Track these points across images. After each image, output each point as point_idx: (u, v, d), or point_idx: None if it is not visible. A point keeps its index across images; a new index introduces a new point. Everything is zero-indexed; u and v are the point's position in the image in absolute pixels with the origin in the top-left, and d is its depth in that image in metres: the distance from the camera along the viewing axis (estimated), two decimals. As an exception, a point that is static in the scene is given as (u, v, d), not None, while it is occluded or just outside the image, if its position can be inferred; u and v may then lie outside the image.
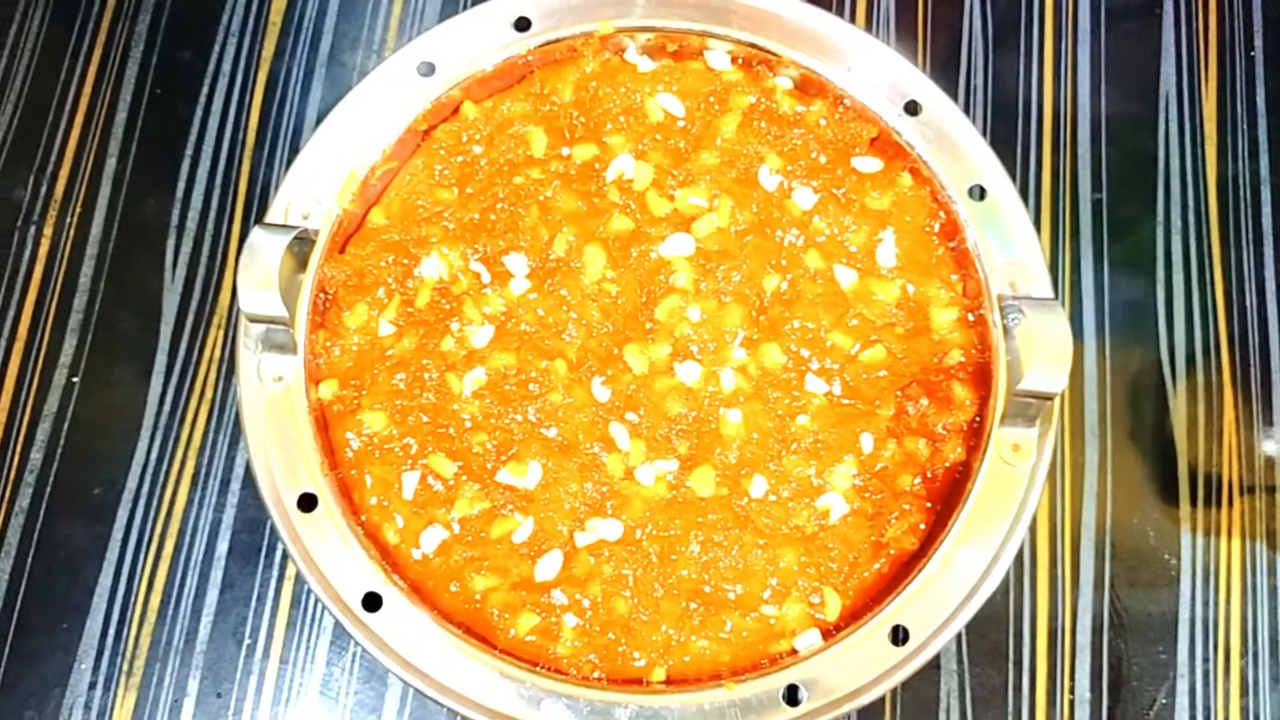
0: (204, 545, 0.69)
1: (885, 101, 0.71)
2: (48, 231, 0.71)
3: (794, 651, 0.66)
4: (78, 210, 0.71)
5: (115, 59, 0.73)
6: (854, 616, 0.66)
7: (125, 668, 0.68)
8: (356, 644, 0.67)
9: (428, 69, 0.71)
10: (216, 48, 0.73)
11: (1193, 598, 0.67)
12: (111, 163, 0.72)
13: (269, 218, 0.68)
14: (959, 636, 0.66)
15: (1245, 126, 0.71)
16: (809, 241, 0.71)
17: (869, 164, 0.71)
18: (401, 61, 0.71)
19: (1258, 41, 0.72)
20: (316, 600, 0.67)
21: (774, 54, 0.71)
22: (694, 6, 0.71)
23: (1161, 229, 0.70)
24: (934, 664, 0.66)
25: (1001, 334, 0.68)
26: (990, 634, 0.67)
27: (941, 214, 0.71)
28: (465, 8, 0.74)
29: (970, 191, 0.69)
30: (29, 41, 0.74)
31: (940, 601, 0.65)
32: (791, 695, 0.64)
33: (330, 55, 0.73)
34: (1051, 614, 0.68)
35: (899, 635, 0.65)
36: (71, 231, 0.71)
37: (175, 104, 0.72)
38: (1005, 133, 0.70)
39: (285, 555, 0.68)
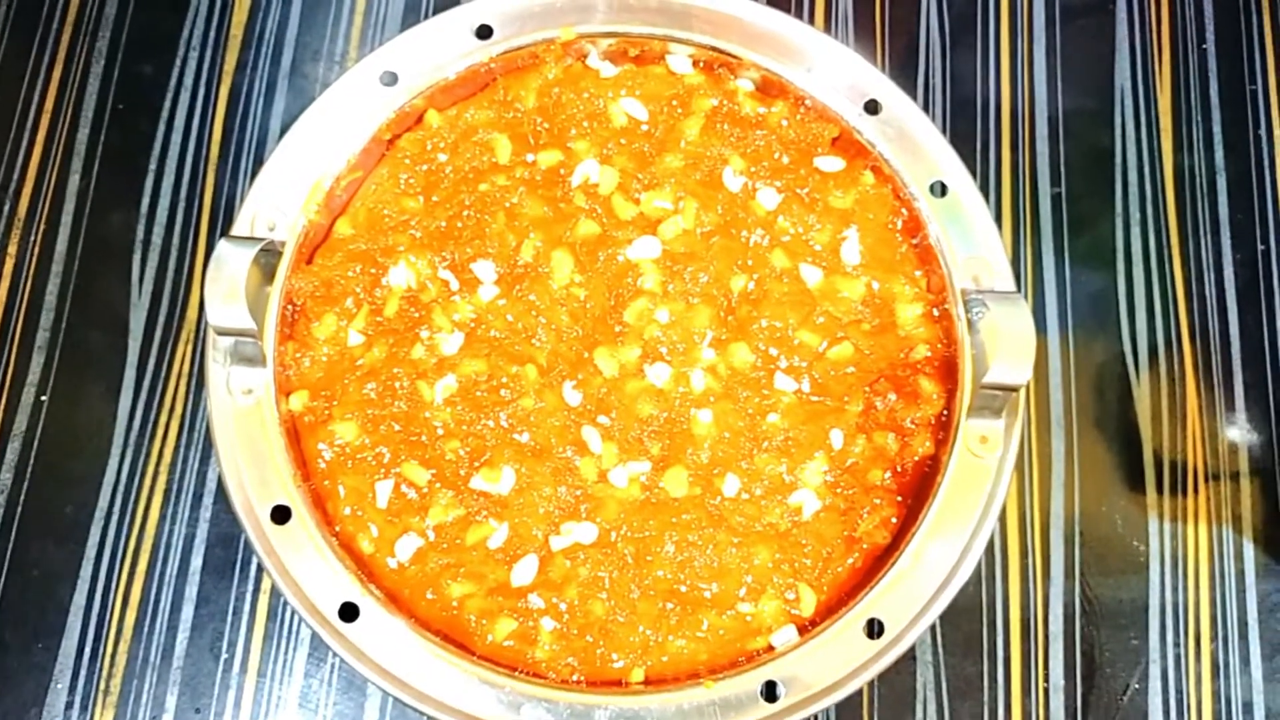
0: (178, 561, 0.69)
1: (845, 101, 0.71)
2: (11, 250, 0.70)
3: (771, 648, 0.66)
4: (42, 228, 0.71)
5: (76, 75, 0.73)
6: (829, 611, 0.67)
7: (102, 686, 0.68)
8: (334, 655, 0.67)
9: (390, 78, 0.71)
10: (178, 62, 0.73)
11: (1162, 584, 0.68)
12: (75, 179, 0.71)
13: (234, 230, 0.68)
14: (933, 628, 0.67)
15: (1200, 119, 0.72)
16: (774, 241, 0.71)
17: (831, 163, 0.72)
18: (364, 71, 0.71)
19: (1209, 35, 0.73)
20: (293, 612, 0.67)
21: (735, 57, 0.72)
22: (654, 11, 0.71)
23: (1120, 221, 0.71)
24: (909, 656, 0.67)
25: (966, 328, 0.68)
26: (964, 625, 0.68)
27: (904, 211, 0.71)
28: (426, 16, 0.74)
29: (931, 188, 0.70)
30: (-12, 59, 0.74)
31: (914, 594, 0.66)
32: (770, 692, 0.65)
33: (292, 67, 0.73)
34: (1024, 603, 0.68)
35: (874, 629, 0.66)
36: (36, 249, 0.70)
37: (138, 119, 0.72)
38: (964, 130, 0.71)
39: (260, 568, 0.68)
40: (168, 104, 0.72)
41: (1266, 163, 0.72)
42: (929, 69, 0.73)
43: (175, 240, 0.71)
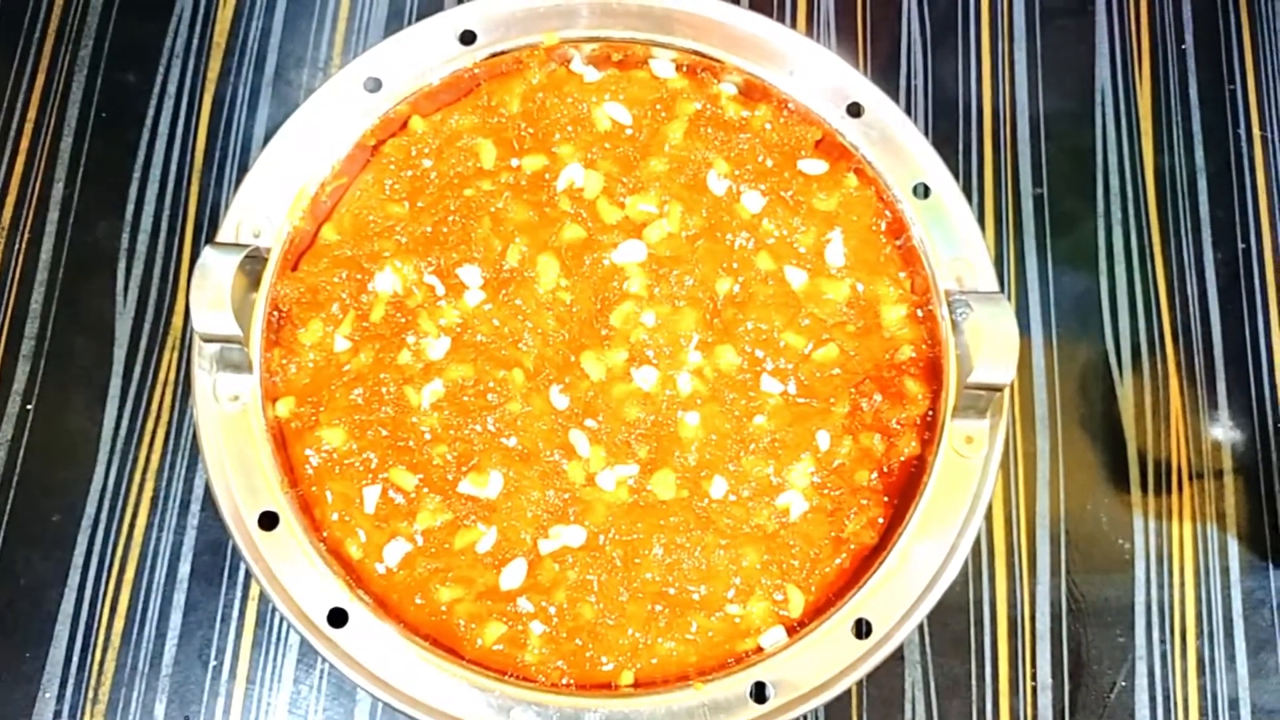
0: (166, 568, 0.68)
1: (828, 104, 0.72)
2: (-5, 258, 0.70)
3: (760, 649, 0.67)
4: (26, 236, 0.71)
5: (59, 84, 0.73)
6: (817, 612, 0.67)
7: (91, 695, 0.67)
8: (323, 661, 0.67)
9: (374, 84, 0.71)
10: (161, 70, 0.73)
11: (1148, 581, 0.68)
12: (59, 188, 0.71)
13: (220, 237, 0.68)
14: (921, 627, 0.67)
15: (1180, 119, 0.73)
16: (759, 244, 0.72)
17: (814, 166, 0.72)
18: (348, 78, 0.71)
19: (1188, 35, 0.74)
20: (281, 619, 0.67)
21: (718, 60, 0.72)
22: (637, 16, 0.72)
23: (1102, 221, 0.72)
24: (898, 656, 0.67)
25: (950, 329, 0.69)
26: (952, 624, 0.68)
27: (887, 213, 0.72)
28: (410, 22, 0.74)
29: (914, 190, 0.70)
30: (-30, 69, 0.74)
31: (901, 594, 0.66)
32: (759, 693, 0.65)
33: (276, 74, 0.73)
34: (1010, 602, 0.69)
35: (862, 629, 0.66)
36: (20, 258, 0.70)
37: (121, 127, 0.72)
38: (947, 131, 0.72)
39: (248, 575, 0.68)
40: (151, 112, 0.72)
41: (1246, 162, 0.73)
42: (910, 71, 0.73)
43: (160, 248, 0.71)
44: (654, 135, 0.72)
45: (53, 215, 0.71)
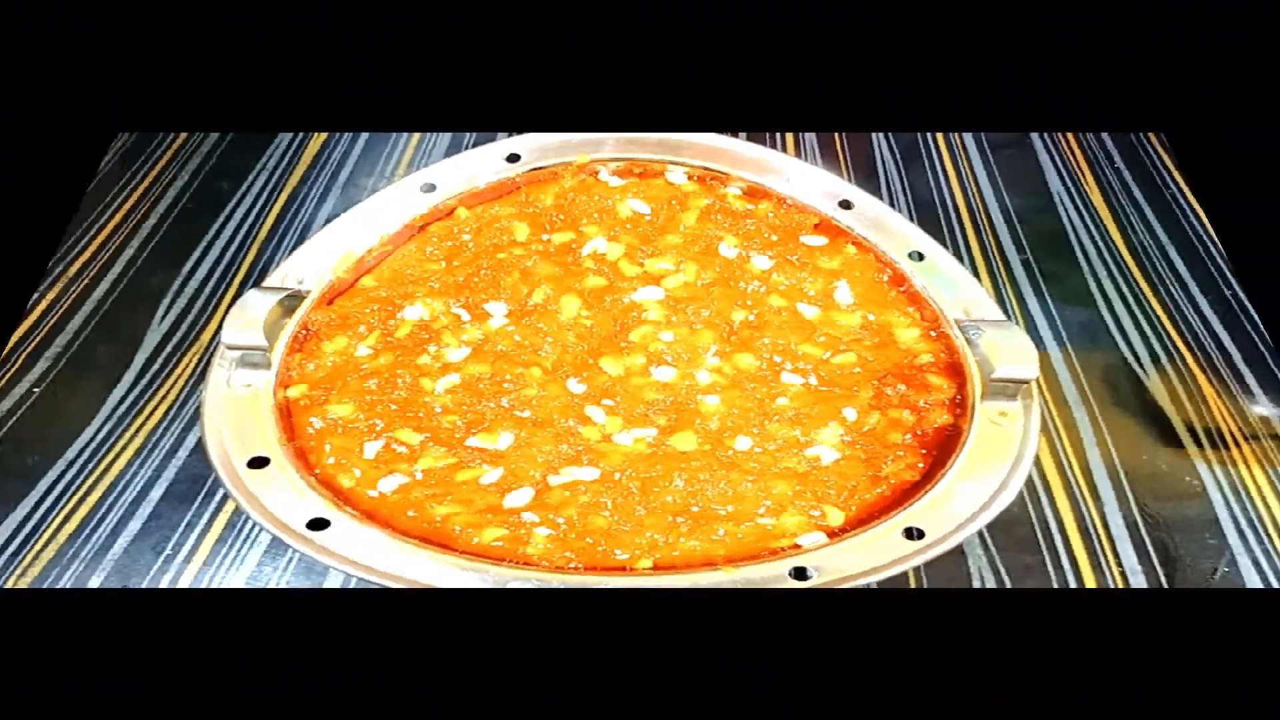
0: (136, 493, 0.61)
1: (822, 199, 0.81)
2: (51, 296, 0.73)
3: (797, 546, 0.58)
4: (84, 282, 0.75)
5: (160, 189, 0.80)
6: (860, 525, 0.59)
7: (19, 572, 0.56)
8: (294, 552, 0.57)
9: (429, 187, 0.82)
10: (250, 176, 0.83)
11: (1226, 502, 0.60)
12: (129, 252, 0.77)
13: (266, 284, 0.73)
14: (980, 533, 0.58)
15: (1134, 211, 0.80)
16: (770, 289, 0.75)
17: (816, 240, 0.79)
18: (407, 182, 0.82)
19: (1117, 159, 0.84)
20: (254, 525, 0.59)
21: (724, 173, 0.83)
22: (655, 144, 0.84)
23: (1091, 278, 0.75)
24: (957, 552, 0.57)
25: (965, 344, 0.70)
26: (1016, 530, 0.59)
27: (888, 270, 0.77)
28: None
29: (910, 255, 0.77)
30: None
31: (954, 510, 0.60)
32: (800, 576, 0.56)
33: (348, 180, 0.83)
34: (1079, 519, 0.60)
35: (913, 534, 0.58)
36: (73, 297, 0.73)
37: (201, 215, 0.80)
38: (929, 222, 0.79)
39: (225, 498, 0.61)
40: (230, 204, 0.80)
41: (1205, 235, 0.79)
42: (889, 183, 0.83)
43: (205, 290, 0.75)
44: (670, 219, 0.80)
45: (114, 270, 0.76)
